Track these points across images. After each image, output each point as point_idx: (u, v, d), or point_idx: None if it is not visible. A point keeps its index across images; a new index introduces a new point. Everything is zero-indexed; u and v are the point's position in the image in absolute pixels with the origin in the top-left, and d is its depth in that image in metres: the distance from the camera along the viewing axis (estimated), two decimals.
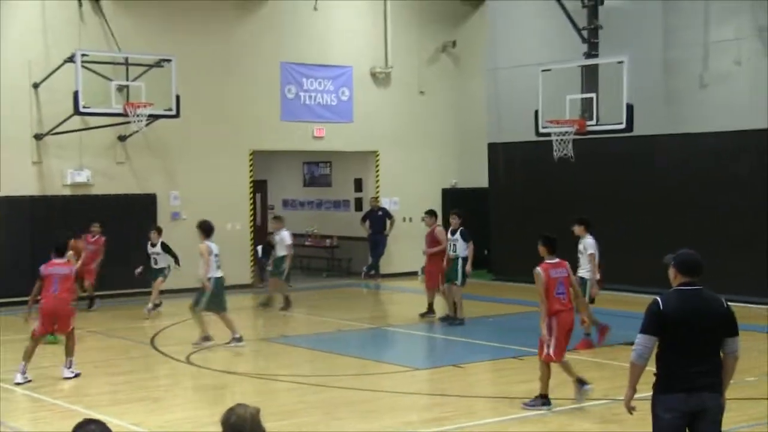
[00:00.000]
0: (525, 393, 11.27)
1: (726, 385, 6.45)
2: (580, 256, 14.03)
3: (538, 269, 10.52)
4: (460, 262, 16.11)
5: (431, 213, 17.38)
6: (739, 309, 7.25)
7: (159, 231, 18.00)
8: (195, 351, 14.00)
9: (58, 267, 12.10)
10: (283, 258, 18.03)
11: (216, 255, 14.09)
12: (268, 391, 11.67)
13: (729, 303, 6.52)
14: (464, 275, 16.13)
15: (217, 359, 13.60)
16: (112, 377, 12.63)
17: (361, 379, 12.43)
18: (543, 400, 10.40)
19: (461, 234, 16.21)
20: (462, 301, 16.34)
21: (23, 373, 11.82)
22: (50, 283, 11.98)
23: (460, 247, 16.14)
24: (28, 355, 11.94)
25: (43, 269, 12.08)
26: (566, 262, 10.75)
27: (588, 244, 13.99)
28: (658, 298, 6.39)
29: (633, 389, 6.48)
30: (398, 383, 12.51)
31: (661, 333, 6.31)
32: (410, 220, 23.36)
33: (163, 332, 15.90)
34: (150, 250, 17.78)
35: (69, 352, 12.20)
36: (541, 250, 10.70)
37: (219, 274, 14.13)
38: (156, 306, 17.56)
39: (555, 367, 10.58)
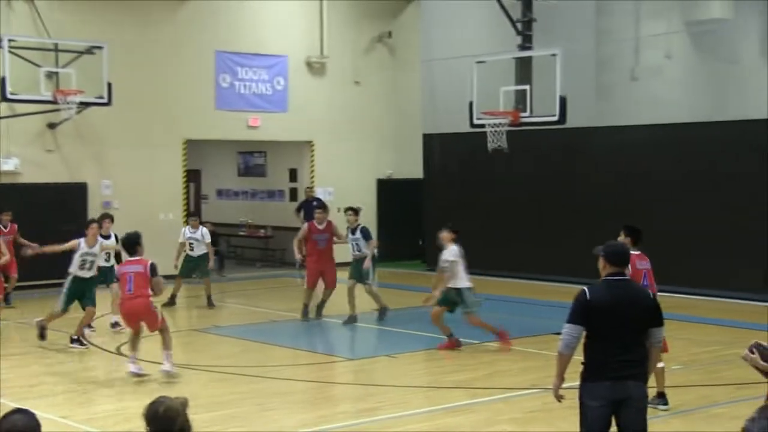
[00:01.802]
0: (457, 383, 11.36)
1: (649, 374, 6.57)
2: (455, 266, 13.16)
3: None
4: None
5: (325, 207, 17.11)
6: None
7: (112, 219, 15.27)
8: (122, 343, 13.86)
9: (130, 265, 11.57)
10: (205, 256, 17.66)
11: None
12: (200, 382, 11.56)
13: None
14: (373, 272, 15.77)
15: (148, 350, 13.38)
16: (38, 368, 12.41)
17: (294, 369, 12.40)
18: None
19: (362, 232, 15.84)
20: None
21: (133, 362, 11.64)
22: (124, 282, 11.51)
23: (363, 246, 15.78)
24: (133, 345, 11.71)
25: (117, 269, 11.76)
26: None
27: (460, 252, 13.28)
28: (585, 288, 6.47)
29: (560, 378, 6.55)
30: (331, 374, 12.53)
31: (587, 323, 6.39)
32: (345, 210, 23.32)
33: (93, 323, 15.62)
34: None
35: (165, 345, 11.64)
36: (625, 241, 9.93)
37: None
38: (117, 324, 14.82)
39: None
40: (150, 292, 11.56)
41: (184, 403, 4.34)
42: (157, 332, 11.82)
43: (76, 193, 20.33)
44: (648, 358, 6.48)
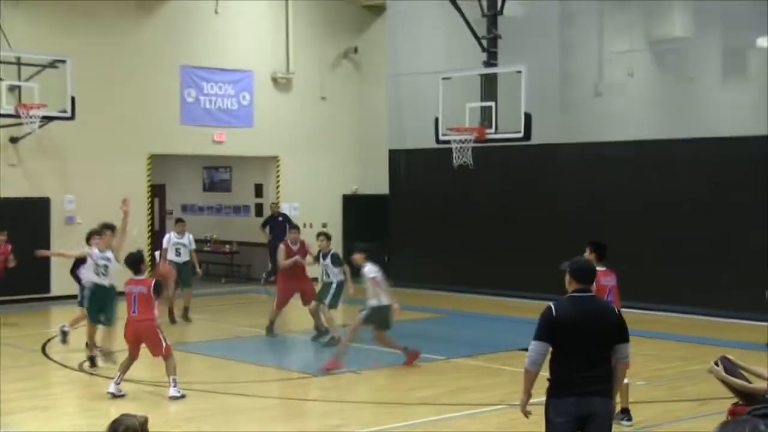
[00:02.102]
0: (422, 399, 11.36)
1: (616, 390, 6.62)
2: (379, 285, 13.27)
3: None
4: (334, 286, 15.23)
5: (297, 227, 17.07)
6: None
7: (113, 229, 13.37)
8: (86, 360, 13.72)
9: (134, 285, 11.27)
10: (189, 263, 17.57)
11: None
12: (164, 399, 11.47)
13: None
14: (337, 298, 15.30)
15: (111, 367, 13.29)
16: (1, 386, 12.25)
17: (260, 385, 12.33)
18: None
19: (332, 258, 15.30)
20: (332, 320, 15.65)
21: (117, 383, 11.36)
22: (129, 302, 11.25)
23: (332, 272, 15.27)
24: (123, 367, 11.43)
25: (125, 288, 11.35)
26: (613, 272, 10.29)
27: (377, 269, 13.43)
28: (551, 305, 6.51)
29: (527, 394, 6.58)
30: (297, 390, 12.48)
31: (553, 339, 6.43)
32: (310, 225, 23.27)
33: (55, 339, 15.48)
34: (97, 255, 13.28)
35: (169, 371, 11.37)
36: (590, 257, 9.95)
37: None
38: (106, 353, 13.35)
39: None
40: (154, 315, 11.29)
41: (144, 422, 4.35)
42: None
43: (39, 207, 20.14)
44: (613, 374, 6.53)
